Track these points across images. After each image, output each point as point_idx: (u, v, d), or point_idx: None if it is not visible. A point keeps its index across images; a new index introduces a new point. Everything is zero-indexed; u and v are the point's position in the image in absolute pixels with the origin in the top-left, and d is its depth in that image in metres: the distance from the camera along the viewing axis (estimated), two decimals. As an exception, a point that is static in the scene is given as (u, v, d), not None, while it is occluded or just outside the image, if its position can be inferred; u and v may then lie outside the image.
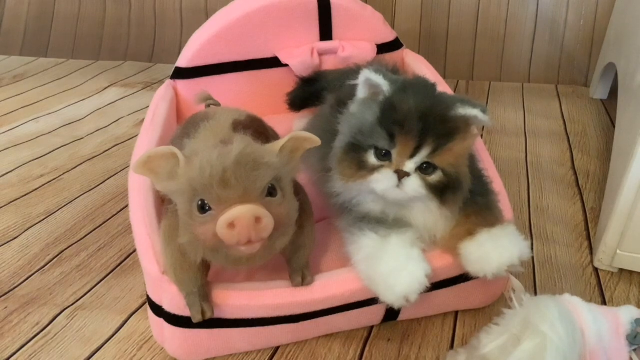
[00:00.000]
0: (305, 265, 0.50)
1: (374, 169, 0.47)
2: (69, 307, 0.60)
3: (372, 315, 0.55)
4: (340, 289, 0.50)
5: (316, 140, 0.43)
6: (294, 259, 0.49)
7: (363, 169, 0.48)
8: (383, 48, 0.89)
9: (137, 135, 0.74)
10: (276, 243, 0.42)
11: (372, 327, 0.57)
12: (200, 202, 0.38)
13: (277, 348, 0.54)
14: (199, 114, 0.59)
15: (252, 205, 0.37)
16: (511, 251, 0.47)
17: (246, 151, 0.39)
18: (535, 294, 0.61)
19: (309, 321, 0.51)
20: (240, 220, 0.36)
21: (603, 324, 0.43)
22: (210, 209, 0.38)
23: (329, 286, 0.50)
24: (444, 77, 1.25)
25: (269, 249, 0.41)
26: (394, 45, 0.91)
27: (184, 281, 0.46)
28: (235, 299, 0.48)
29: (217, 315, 0.49)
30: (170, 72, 0.86)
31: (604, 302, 0.60)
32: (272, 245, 0.41)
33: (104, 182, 0.87)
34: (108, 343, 0.55)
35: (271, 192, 0.40)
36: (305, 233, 0.48)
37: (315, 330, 0.54)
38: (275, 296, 0.49)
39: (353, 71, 0.65)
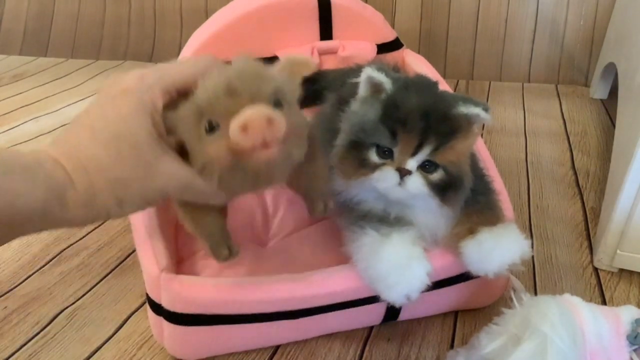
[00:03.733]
0: (324, 193, 0.49)
1: (375, 167, 0.47)
2: (68, 306, 0.60)
3: (372, 315, 0.55)
4: (340, 285, 0.50)
5: (312, 65, 0.45)
6: (311, 188, 0.48)
7: (364, 167, 0.48)
8: (383, 48, 0.89)
9: (137, 135, 0.74)
10: (292, 152, 0.39)
11: (372, 327, 0.57)
12: (208, 123, 0.37)
13: (277, 347, 0.54)
14: None
15: (262, 105, 0.35)
16: (512, 250, 0.47)
17: (248, 64, 0.39)
18: (535, 293, 0.61)
19: (308, 318, 0.51)
20: (252, 120, 0.34)
21: (603, 324, 0.43)
22: (218, 126, 0.37)
23: (329, 282, 0.50)
24: (444, 76, 1.25)
25: (287, 157, 0.39)
26: (394, 45, 0.91)
27: (204, 224, 0.45)
28: (234, 294, 0.48)
29: (216, 312, 0.48)
30: (170, 72, 0.85)
31: (604, 302, 0.60)
32: (289, 154, 0.39)
33: (103, 181, 0.87)
34: (108, 343, 0.55)
35: (277, 104, 0.38)
36: (318, 163, 0.47)
37: (315, 329, 0.54)
38: (275, 291, 0.49)
39: (354, 70, 0.65)
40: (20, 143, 1.01)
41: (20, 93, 1.26)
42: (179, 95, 0.39)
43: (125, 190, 0.35)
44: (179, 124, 0.38)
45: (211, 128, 0.37)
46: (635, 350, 0.42)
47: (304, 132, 0.42)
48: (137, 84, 0.36)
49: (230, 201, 0.47)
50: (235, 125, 0.34)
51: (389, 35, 0.90)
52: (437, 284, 0.51)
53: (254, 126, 0.34)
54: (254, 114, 0.34)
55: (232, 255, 0.47)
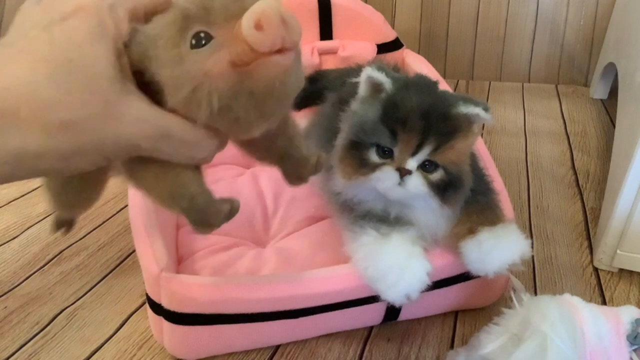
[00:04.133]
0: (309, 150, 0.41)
1: (375, 167, 0.47)
2: (68, 306, 0.60)
3: (372, 315, 0.55)
4: (340, 285, 0.50)
5: None
6: (291, 148, 0.40)
7: (364, 167, 0.48)
8: (383, 48, 0.89)
9: (137, 135, 0.74)
10: (298, 74, 0.32)
11: (372, 327, 0.57)
12: (195, 35, 0.28)
13: (277, 347, 0.54)
14: None
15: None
16: (512, 249, 0.47)
17: None
18: (535, 293, 0.61)
19: (308, 318, 0.51)
20: (268, 15, 0.26)
21: (603, 324, 0.43)
22: (211, 38, 0.28)
23: (329, 282, 0.50)
24: (444, 76, 1.25)
25: (296, 78, 0.32)
26: (394, 45, 0.91)
27: (180, 184, 0.33)
28: (234, 294, 0.48)
29: (216, 311, 0.48)
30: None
31: (604, 302, 0.60)
32: (297, 72, 0.32)
33: (103, 181, 0.87)
34: (108, 343, 0.55)
35: None
36: (291, 122, 0.40)
37: (315, 329, 0.54)
38: (274, 290, 0.49)
39: (354, 70, 0.65)
40: (20, 143, 1.01)
41: (20, 93, 1.26)
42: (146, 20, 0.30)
43: (75, 138, 0.27)
44: (149, 45, 0.29)
45: (200, 40, 0.28)
46: (635, 350, 0.42)
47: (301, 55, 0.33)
48: (94, 2, 0.28)
49: (220, 150, 0.35)
50: (249, 21, 0.26)
51: (389, 35, 0.90)
52: (437, 284, 0.51)
53: (271, 23, 0.26)
54: (270, 7, 0.26)
55: (234, 209, 0.35)
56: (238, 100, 0.29)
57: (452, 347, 0.54)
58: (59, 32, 0.27)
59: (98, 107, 0.27)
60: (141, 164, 0.32)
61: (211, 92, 0.28)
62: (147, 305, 0.53)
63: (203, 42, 0.28)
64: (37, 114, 0.26)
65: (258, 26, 0.26)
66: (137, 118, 0.28)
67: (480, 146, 0.64)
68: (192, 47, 0.28)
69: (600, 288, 0.62)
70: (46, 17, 0.28)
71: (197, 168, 0.35)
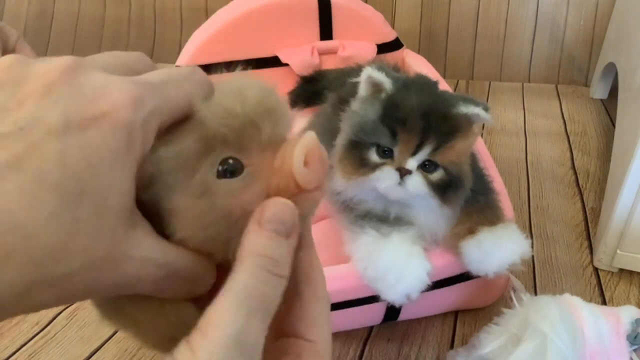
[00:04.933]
0: None
1: (375, 167, 0.47)
2: (69, 306, 0.60)
3: (372, 315, 0.55)
4: (339, 284, 0.50)
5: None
6: None
7: (365, 166, 0.48)
8: (383, 48, 0.89)
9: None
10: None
11: (372, 327, 0.57)
12: (225, 159, 0.24)
13: (277, 348, 0.54)
14: None
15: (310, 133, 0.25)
16: (512, 249, 0.47)
17: (259, 82, 0.26)
18: (535, 293, 0.61)
19: (308, 319, 0.51)
20: (314, 153, 0.24)
21: (603, 324, 0.43)
22: (242, 167, 0.24)
23: (329, 282, 0.49)
24: (444, 76, 1.25)
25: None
26: (394, 45, 0.91)
27: (187, 324, 0.24)
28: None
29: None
30: (170, 72, 0.85)
31: (604, 302, 0.60)
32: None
33: (103, 181, 0.87)
34: (108, 343, 0.55)
35: None
36: None
37: (315, 330, 0.54)
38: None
39: (354, 70, 0.65)
40: (20, 143, 1.01)
41: (20, 93, 1.26)
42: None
43: (62, 293, 0.19)
44: (163, 167, 0.23)
45: (230, 168, 0.24)
46: (635, 350, 0.42)
47: None
48: (131, 110, 0.20)
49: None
50: (300, 157, 0.23)
51: (389, 35, 0.90)
52: (437, 284, 0.51)
53: (317, 160, 0.24)
54: (315, 144, 0.24)
55: None
56: None
57: (452, 347, 0.54)
58: (74, 147, 0.19)
59: (102, 251, 0.20)
60: (132, 303, 0.24)
61: (235, 231, 0.23)
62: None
63: (233, 170, 0.23)
64: (28, 269, 0.18)
65: (305, 163, 0.24)
66: (143, 258, 0.22)
67: (480, 146, 0.64)
68: (220, 175, 0.23)
69: (600, 288, 0.62)
70: (59, 113, 0.19)
71: (197, 299, 0.27)
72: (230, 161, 0.23)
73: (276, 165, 0.24)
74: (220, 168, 0.23)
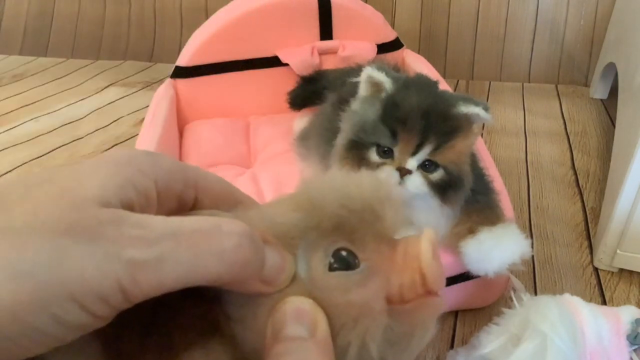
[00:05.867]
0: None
1: (375, 167, 0.47)
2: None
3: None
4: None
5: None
6: None
7: (365, 166, 0.48)
8: (383, 48, 0.89)
9: (137, 135, 0.74)
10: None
11: (372, 327, 0.57)
12: (338, 250, 0.20)
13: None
14: None
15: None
16: (512, 249, 0.47)
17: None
18: (535, 293, 0.61)
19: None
20: (437, 247, 0.20)
21: (603, 324, 0.43)
22: (357, 261, 0.20)
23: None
24: (444, 76, 1.25)
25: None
26: (394, 45, 0.91)
27: None
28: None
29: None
30: (170, 72, 0.85)
31: (604, 302, 0.60)
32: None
33: (103, 181, 0.86)
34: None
35: None
36: None
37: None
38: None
39: (354, 70, 0.65)
40: (21, 143, 1.01)
41: (20, 93, 1.26)
42: None
43: None
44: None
45: (344, 262, 0.20)
46: (635, 350, 0.42)
47: None
48: None
49: None
50: (429, 252, 0.20)
51: (389, 35, 0.90)
52: (437, 284, 0.51)
53: (439, 256, 0.20)
54: (436, 238, 0.21)
55: None
56: (386, 348, 0.20)
57: (452, 347, 0.54)
58: None
59: None
60: None
61: (367, 337, 0.19)
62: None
63: (347, 263, 0.20)
64: None
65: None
66: None
67: (480, 146, 0.64)
68: (331, 267, 0.20)
69: (600, 288, 0.62)
70: None
71: None
72: (344, 253, 0.20)
73: (398, 262, 0.20)
74: (332, 260, 0.20)
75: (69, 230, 0.15)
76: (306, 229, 0.20)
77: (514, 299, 0.47)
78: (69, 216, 0.15)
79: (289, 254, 0.19)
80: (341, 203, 0.20)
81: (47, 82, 1.33)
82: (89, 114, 1.14)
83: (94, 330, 0.17)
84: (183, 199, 0.20)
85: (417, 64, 0.88)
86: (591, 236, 0.71)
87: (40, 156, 0.95)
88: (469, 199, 0.50)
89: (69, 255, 0.15)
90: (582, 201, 0.79)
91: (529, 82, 1.27)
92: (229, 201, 0.21)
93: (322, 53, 0.86)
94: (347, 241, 0.20)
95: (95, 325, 0.16)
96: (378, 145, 0.48)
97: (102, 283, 0.15)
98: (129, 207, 0.17)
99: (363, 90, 0.51)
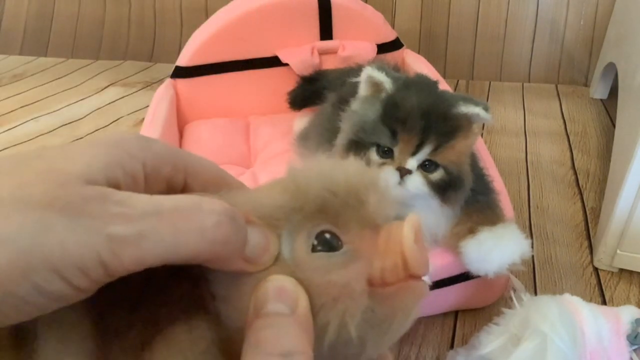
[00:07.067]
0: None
1: (375, 167, 0.47)
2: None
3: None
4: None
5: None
6: None
7: None
8: (383, 48, 0.89)
9: (137, 135, 0.74)
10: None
11: (372, 327, 0.57)
12: (321, 232, 0.21)
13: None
14: None
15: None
16: (512, 249, 0.47)
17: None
18: (535, 293, 0.61)
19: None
20: (420, 231, 0.21)
21: (603, 324, 0.43)
22: (340, 243, 0.20)
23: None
24: (444, 76, 1.25)
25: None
26: (394, 45, 0.91)
27: None
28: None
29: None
30: (170, 72, 0.85)
31: (604, 302, 0.60)
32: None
33: (103, 181, 0.86)
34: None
35: None
36: None
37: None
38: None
39: (354, 70, 0.65)
40: (21, 143, 1.01)
41: (20, 93, 1.26)
42: None
43: None
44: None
45: (327, 244, 0.20)
46: (635, 350, 0.42)
47: None
48: None
49: None
50: (411, 235, 0.20)
51: (389, 35, 0.90)
52: (437, 284, 0.51)
53: (422, 240, 0.21)
54: (419, 223, 0.21)
55: None
56: (366, 330, 0.20)
57: (452, 347, 0.54)
58: None
59: None
60: None
61: (347, 316, 0.19)
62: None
63: (330, 245, 0.20)
64: None
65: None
66: None
67: (480, 146, 0.64)
68: (314, 248, 0.20)
69: (600, 288, 0.62)
70: None
71: None
72: (327, 235, 0.20)
73: (380, 246, 0.21)
74: (315, 241, 0.20)
75: (54, 205, 0.16)
76: (291, 211, 0.20)
77: (514, 299, 0.47)
78: (54, 191, 0.16)
79: (274, 235, 0.20)
80: (326, 187, 0.20)
81: (47, 82, 1.33)
82: (89, 114, 1.14)
83: (85, 307, 0.18)
84: (172, 183, 0.20)
85: (417, 64, 0.88)
86: (591, 236, 0.71)
87: (40, 156, 0.95)
88: (469, 199, 0.50)
89: (51, 228, 0.15)
90: (582, 201, 0.79)
91: (529, 82, 1.27)
92: (219, 186, 0.21)
93: (322, 53, 0.86)
94: (331, 224, 0.21)
95: (77, 298, 0.16)
96: (378, 145, 0.48)
97: (83, 256, 0.16)
98: (115, 186, 0.17)
99: (363, 90, 0.51)
